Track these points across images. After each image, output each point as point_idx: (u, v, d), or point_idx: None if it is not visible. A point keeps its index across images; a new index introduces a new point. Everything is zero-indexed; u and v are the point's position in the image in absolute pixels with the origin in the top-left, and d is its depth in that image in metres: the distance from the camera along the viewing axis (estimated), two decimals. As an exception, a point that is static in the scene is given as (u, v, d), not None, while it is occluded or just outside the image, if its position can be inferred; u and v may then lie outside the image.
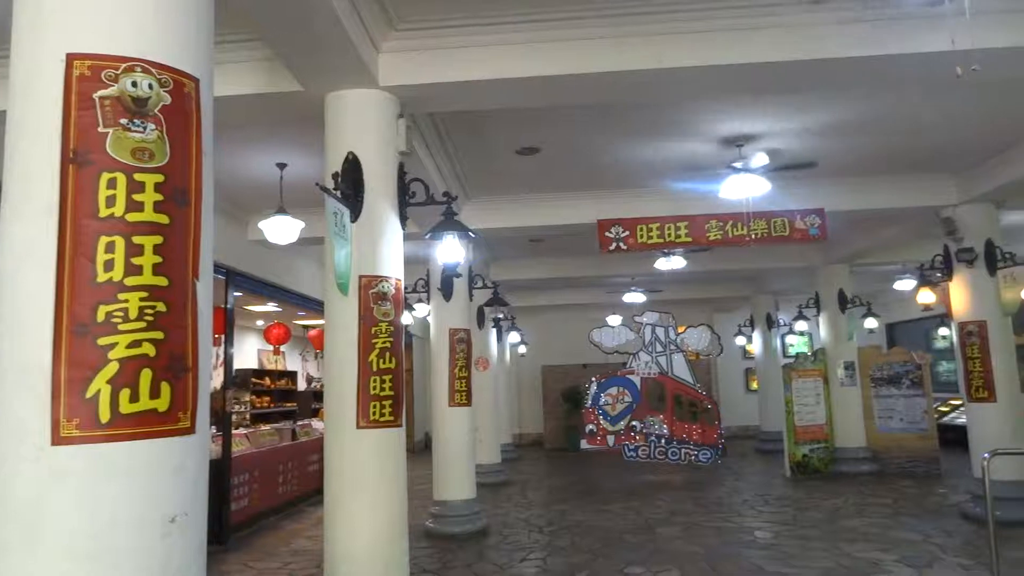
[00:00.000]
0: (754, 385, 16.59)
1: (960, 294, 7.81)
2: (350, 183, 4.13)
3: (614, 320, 12.90)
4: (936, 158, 7.23)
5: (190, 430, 1.74)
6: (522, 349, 16.50)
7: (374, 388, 4.07)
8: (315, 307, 9.33)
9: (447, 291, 7.55)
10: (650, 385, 11.40)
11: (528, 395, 17.62)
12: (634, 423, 11.27)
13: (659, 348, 11.51)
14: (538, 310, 16.36)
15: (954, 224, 7.72)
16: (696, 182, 7.39)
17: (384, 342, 4.11)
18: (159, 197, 1.77)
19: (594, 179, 7.60)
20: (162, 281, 1.73)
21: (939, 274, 8.05)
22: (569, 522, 8.03)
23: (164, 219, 1.77)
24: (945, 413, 13.34)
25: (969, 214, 7.68)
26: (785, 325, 14.87)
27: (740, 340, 16.17)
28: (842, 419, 11.33)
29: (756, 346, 15.25)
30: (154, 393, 1.68)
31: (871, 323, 12.89)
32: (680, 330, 11.66)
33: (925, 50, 4.04)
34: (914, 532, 7.01)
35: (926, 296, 8.35)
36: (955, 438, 10.77)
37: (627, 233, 7.61)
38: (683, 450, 11.12)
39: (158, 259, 1.74)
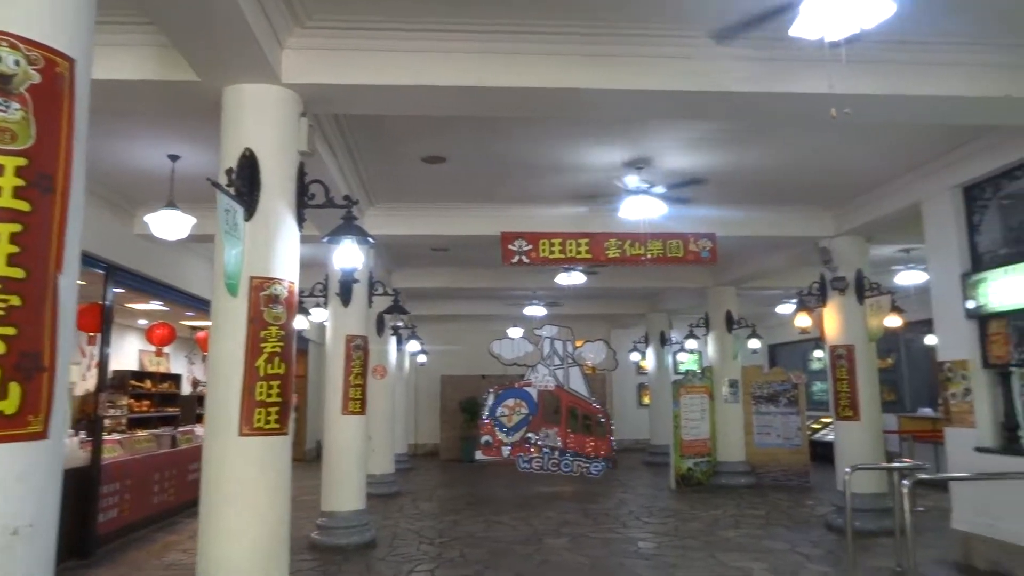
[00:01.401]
0: (646, 400, 17.14)
1: (832, 319, 8.38)
2: (245, 180, 3.98)
3: (515, 332, 13.03)
4: (816, 192, 7.76)
5: (41, 435, 1.60)
6: (422, 358, 16.36)
7: (261, 394, 3.91)
8: (204, 307, 8.88)
9: (345, 296, 7.39)
10: (546, 397, 11.56)
11: (426, 405, 17.47)
12: (529, 435, 11.39)
13: (557, 361, 11.71)
14: (440, 319, 16.28)
15: (830, 254, 8.30)
16: (597, 201, 7.59)
17: (274, 346, 3.97)
18: (20, 182, 1.64)
19: (500, 192, 7.67)
20: (18, 273, 1.60)
21: (815, 300, 8.61)
22: (460, 533, 7.99)
23: (25, 206, 1.64)
24: (817, 430, 14.24)
25: (843, 246, 8.28)
26: (677, 343, 15.48)
27: (635, 356, 16.69)
28: (724, 434, 11.88)
29: (650, 362, 15.77)
30: (0, 394, 1.54)
31: (755, 344, 13.64)
32: (578, 344, 11.90)
33: (807, 91, 4.33)
34: (783, 542, 7.41)
35: (803, 320, 8.90)
36: (825, 453, 11.51)
37: (530, 247, 7.71)
38: (575, 462, 11.33)
39: (14, 249, 1.60)
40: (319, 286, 8.16)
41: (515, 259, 7.61)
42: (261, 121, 4.12)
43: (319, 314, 8.73)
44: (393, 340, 12.22)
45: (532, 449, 11.34)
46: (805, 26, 3.31)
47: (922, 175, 6.89)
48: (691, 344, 14.18)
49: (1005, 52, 4.46)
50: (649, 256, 7.70)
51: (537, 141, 6.19)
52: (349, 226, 4.68)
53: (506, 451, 11.36)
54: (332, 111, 4.97)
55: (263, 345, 3.94)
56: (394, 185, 7.41)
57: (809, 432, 12.67)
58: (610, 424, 11.90)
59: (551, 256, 7.66)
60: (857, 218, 7.95)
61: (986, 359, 6.35)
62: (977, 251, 6.52)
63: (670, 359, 15.88)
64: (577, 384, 11.66)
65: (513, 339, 12.27)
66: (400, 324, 11.87)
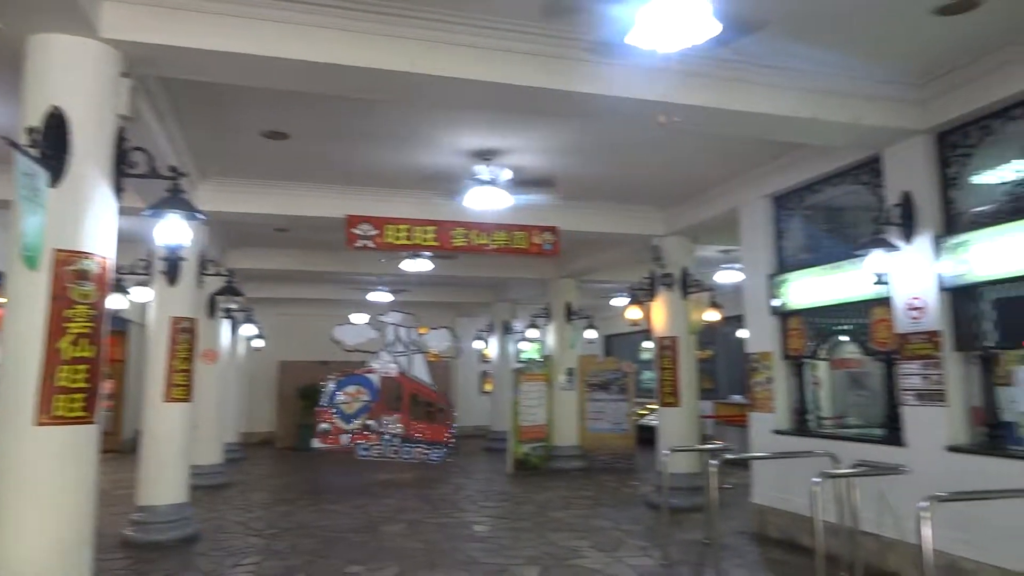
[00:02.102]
0: (488, 387, 17.47)
1: (659, 312, 8.99)
2: (51, 142, 3.57)
3: (358, 318, 12.76)
4: (651, 194, 8.27)
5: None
6: (258, 343, 15.56)
7: (64, 379, 3.54)
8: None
9: (171, 275, 6.86)
10: (389, 384, 11.45)
11: (261, 391, 16.67)
12: (369, 422, 11.23)
13: (400, 348, 11.62)
14: (279, 303, 15.59)
15: (660, 252, 8.89)
16: (444, 189, 7.61)
17: (81, 327, 3.60)
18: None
19: (345, 174, 7.46)
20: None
21: (645, 294, 9.19)
22: (291, 524, 7.74)
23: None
24: (644, 416, 15.23)
25: (672, 245, 8.90)
26: (520, 332, 15.89)
27: (479, 344, 16.94)
28: (560, 420, 12.40)
29: (493, 350, 16.08)
30: None
31: (591, 334, 14.30)
32: (422, 331, 11.88)
33: (640, 97, 4.59)
34: (608, 521, 7.88)
35: (634, 313, 9.48)
36: (649, 437, 12.33)
37: (376, 232, 7.58)
38: (415, 449, 11.33)
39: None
40: (141, 263, 7.52)
41: (360, 243, 7.45)
42: (72, 78, 3.71)
43: (141, 293, 8.04)
44: (227, 323, 11.52)
45: (372, 436, 11.19)
46: (640, 35, 3.52)
47: (741, 183, 7.56)
48: (532, 333, 14.63)
49: (814, 79, 4.98)
50: (494, 246, 7.85)
51: (385, 124, 6.08)
52: (175, 199, 4.36)
53: (345, 439, 11.13)
54: (158, 74, 4.55)
55: (68, 325, 3.57)
56: (231, 159, 6.98)
57: (636, 418, 13.52)
58: (452, 411, 12.02)
59: (397, 242, 7.58)
60: (685, 220, 8.58)
61: (785, 351, 7.10)
62: (782, 255, 7.26)
63: (512, 348, 16.29)
64: (420, 371, 11.65)
65: (356, 325, 12.02)
66: (234, 307, 11.23)
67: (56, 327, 3.52)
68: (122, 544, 6.65)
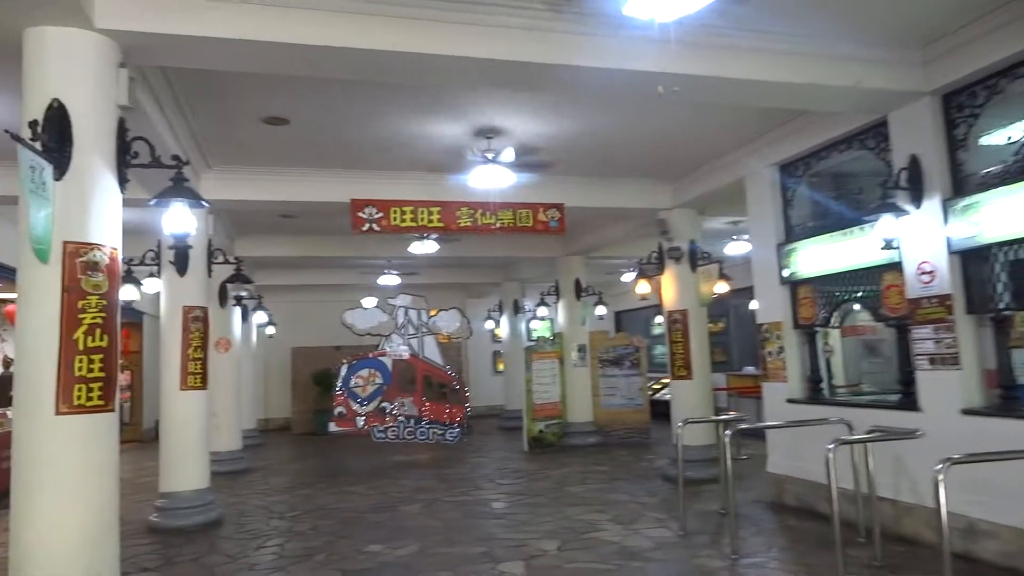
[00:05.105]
0: (501, 367, 17.56)
1: (669, 286, 8.98)
2: (54, 135, 3.59)
3: (368, 302, 12.82)
4: (656, 167, 8.22)
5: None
6: (271, 330, 15.68)
7: (81, 369, 3.60)
8: (11, 276, 7.98)
9: (180, 265, 6.90)
10: (401, 367, 11.52)
11: (276, 378, 16.86)
12: (384, 404, 11.32)
13: (411, 331, 11.68)
14: (289, 290, 15.69)
15: (667, 225, 8.85)
16: (448, 169, 7.59)
17: (94, 318, 3.65)
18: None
19: (348, 157, 7.46)
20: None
21: (654, 268, 9.17)
22: (312, 506, 7.85)
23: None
24: (657, 390, 15.27)
25: (679, 218, 8.86)
26: (530, 311, 15.93)
27: (489, 324, 16.99)
28: (573, 397, 12.45)
29: (504, 330, 16.13)
30: None
31: (601, 310, 14.28)
32: (432, 313, 11.92)
33: (639, 68, 4.55)
34: (624, 494, 7.94)
35: (643, 287, 9.47)
36: (663, 411, 12.36)
37: (381, 215, 7.59)
38: (431, 430, 11.42)
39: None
40: (151, 254, 7.59)
41: (365, 227, 7.47)
42: (71, 70, 3.71)
43: (152, 284, 8.11)
44: (237, 311, 11.62)
45: (387, 419, 11.29)
46: (638, 5, 3.48)
47: (746, 153, 7.49)
48: (543, 311, 14.64)
49: (813, 44, 4.91)
50: (500, 225, 7.83)
51: (386, 106, 6.07)
52: (178, 188, 4.38)
53: (360, 422, 11.24)
54: (155, 63, 4.56)
55: (82, 316, 3.61)
56: (233, 147, 7.00)
57: (650, 392, 13.56)
58: (465, 392, 12.09)
59: (402, 224, 7.58)
60: (691, 192, 8.53)
61: (796, 320, 7.08)
62: (790, 223, 7.22)
63: (523, 326, 16.33)
64: (432, 353, 11.70)
65: (367, 309, 12.08)
66: (244, 294, 11.31)
67: (70, 318, 3.57)
68: (148, 530, 6.78)
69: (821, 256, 6.68)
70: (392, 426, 11.28)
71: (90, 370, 3.62)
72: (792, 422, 6.56)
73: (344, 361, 11.54)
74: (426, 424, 11.41)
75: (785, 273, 7.11)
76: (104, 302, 3.69)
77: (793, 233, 7.14)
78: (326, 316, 14.87)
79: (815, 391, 6.95)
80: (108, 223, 3.79)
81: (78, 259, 3.62)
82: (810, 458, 6.45)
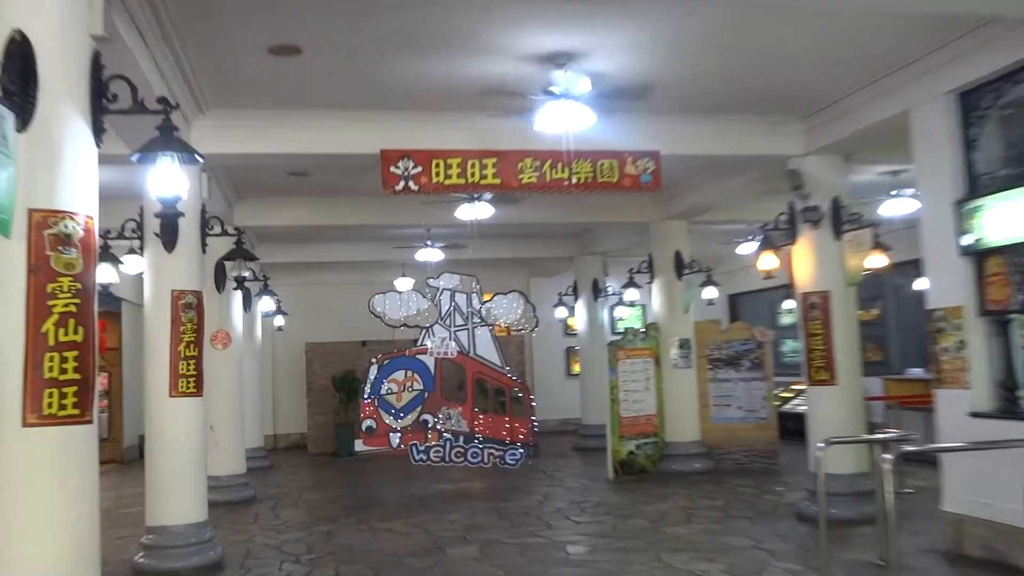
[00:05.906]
0: (576, 368, 17.58)
1: (804, 260, 8.81)
2: (16, 75, 3.75)
3: (403, 284, 13.04)
4: (782, 98, 8.06)
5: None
6: (279, 321, 16.10)
7: (52, 370, 3.77)
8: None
9: (168, 238, 7.14)
10: (447, 368, 11.67)
11: (287, 383, 17.33)
12: (425, 417, 11.51)
13: (459, 321, 11.81)
14: (302, 269, 16.05)
15: (800, 178, 8.67)
16: (506, 110, 7.59)
17: (67, 305, 3.81)
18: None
19: (376, 96, 7.57)
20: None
21: (783, 236, 9.00)
22: (335, 547, 8.08)
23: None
24: (788, 400, 15.06)
25: (816, 167, 8.67)
26: (614, 294, 15.86)
27: (561, 312, 17.02)
28: (673, 408, 12.39)
29: (580, 319, 16.12)
30: None
31: (711, 293, 14.14)
32: (486, 298, 12.03)
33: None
34: (745, 537, 7.89)
35: (768, 261, 9.31)
36: (797, 428, 12.21)
37: (419, 169, 7.67)
38: (486, 450, 11.55)
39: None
40: (132, 224, 7.86)
41: (400, 186, 7.56)
42: (35, -7, 3.88)
43: (133, 263, 8.42)
44: (238, 297, 11.94)
45: (430, 435, 11.47)
46: None
47: (911, 76, 7.26)
48: (632, 295, 14.57)
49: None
50: (575, 181, 7.81)
51: (426, 26, 6.12)
52: (167, 138, 4.53)
53: (395, 439, 11.46)
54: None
55: (52, 304, 3.77)
56: (232, 86, 7.19)
57: (778, 403, 13.38)
58: (530, 400, 12.18)
59: (447, 182, 7.65)
60: (833, 132, 8.32)
61: (983, 305, 6.85)
62: (974, 172, 6.96)
63: (605, 315, 16.29)
64: (486, 350, 11.82)
65: (401, 293, 12.27)
66: (247, 275, 11.60)
67: (39, 306, 3.73)
68: (133, 573, 7.11)
69: (1020, 216, 6.44)
70: (436, 445, 11.46)
71: (63, 371, 3.78)
72: (977, 443, 6.37)
73: (373, 361, 11.76)
74: (479, 443, 11.54)
75: (967, 240, 6.88)
76: (78, 285, 3.84)
77: (979, 185, 6.89)
78: (349, 303, 15.17)
79: (1010, 401, 6.73)
80: (82, 185, 3.96)
81: (46, 231, 3.78)
82: (1003, 493, 6.26)
